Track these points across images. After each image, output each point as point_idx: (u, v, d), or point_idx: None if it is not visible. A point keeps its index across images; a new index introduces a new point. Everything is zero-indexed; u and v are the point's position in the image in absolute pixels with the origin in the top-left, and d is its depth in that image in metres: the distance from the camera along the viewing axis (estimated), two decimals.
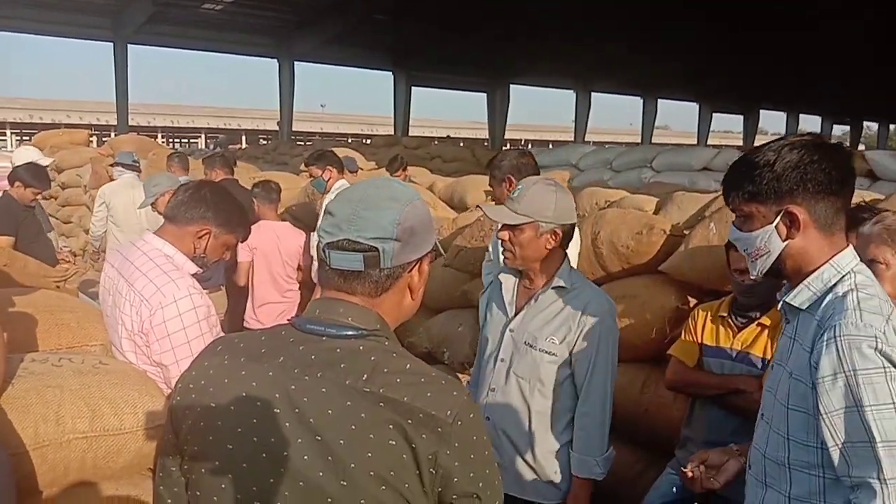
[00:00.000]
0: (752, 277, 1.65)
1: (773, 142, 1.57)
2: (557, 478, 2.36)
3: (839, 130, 49.40)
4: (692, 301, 3.14)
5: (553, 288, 2.33)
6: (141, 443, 1.88)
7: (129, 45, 19.18)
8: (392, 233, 1.21)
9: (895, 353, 1.40)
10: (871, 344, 1.39)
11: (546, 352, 2.31)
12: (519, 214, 2.26)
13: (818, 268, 1.54)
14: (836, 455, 1.43)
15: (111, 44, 19.00)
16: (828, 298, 1.51)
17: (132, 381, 1.96)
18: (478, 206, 3.24)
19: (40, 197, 5.11)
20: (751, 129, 34.75)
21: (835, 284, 1.52)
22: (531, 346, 2.33)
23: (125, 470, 1.91)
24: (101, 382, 1.88)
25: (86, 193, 9.17)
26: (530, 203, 2.26)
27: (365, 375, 1.13)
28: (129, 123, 19.90)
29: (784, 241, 1.54)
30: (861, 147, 33.44)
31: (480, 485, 1.17)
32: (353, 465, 1.10)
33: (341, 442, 1.10)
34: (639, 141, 29.44)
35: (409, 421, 1.10)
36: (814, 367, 1.45)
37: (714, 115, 32.48)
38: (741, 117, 33.83)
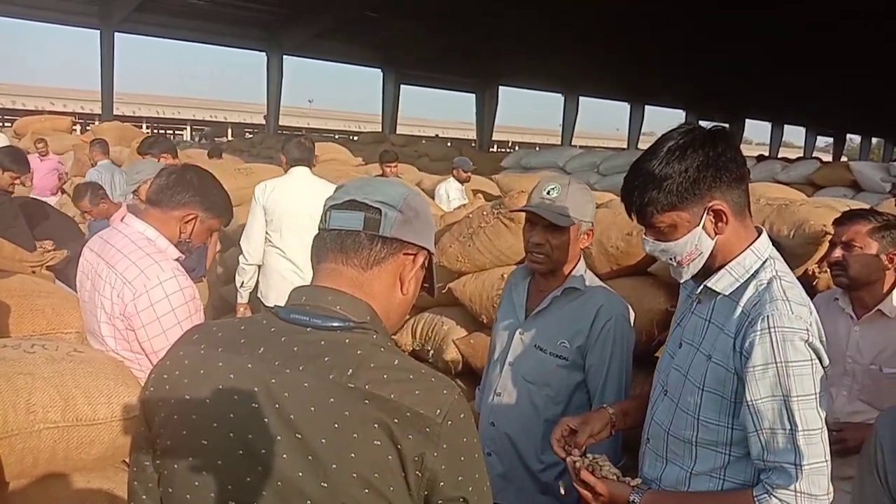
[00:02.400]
0: (681, 282, 1.67)
1: (662, 146, 1.54)
2: (564, 491, 2.20)
3: (823, 141, 49.95)
4: None
5: (566, 289, 2.24)
6: (115, 434, 1.81)
7: (115, 34, 18.97)
8: (398, 203, 1.22)
9: (819, 346, 1.47)
10: (803, 336, 1.44)
11: (556, 355, 2.21)
12: (567, 216, 2.17)
13: (739, 254, 1.57)
14: (754, 440, 1.49)
15: (98, 31, 18.79)
16: (751, 285, 1.54)
17: (107, 370, 1.89)
18: (496, 204, 3.17)
19: (19, 182, 4.96)
20: (736, 137, 34.94)
21: (757, 271, 1.55)
22: (541, 350, 2.24)
23: (98, 462, 1.85)
24: (75, 371, 1.82)
25: (68, 181, 9.03)
26: (574, 203, 2.18)
27: (350, 370, 1.07)
28: (114, 112, 19.71)
29: (714, 238, 1.55)
30: (843, 159, 33.76)
31: (470, 489, 1.10)
32: (334, 466, 1.04)
33: (323, 441, 1.04)
34: (625, 146, 29.55)
35: (396, 420, 1.04)
36: (743, 356, 1.48)
37: (700, 123, 32.67)
38: (726, 125, 34.04)
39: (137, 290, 2.04)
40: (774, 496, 1.46)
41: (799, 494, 1.44)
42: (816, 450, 1.44)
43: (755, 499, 1.48)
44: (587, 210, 2.22)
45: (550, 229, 2.18)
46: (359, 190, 1.23)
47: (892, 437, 1.82)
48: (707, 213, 1.53)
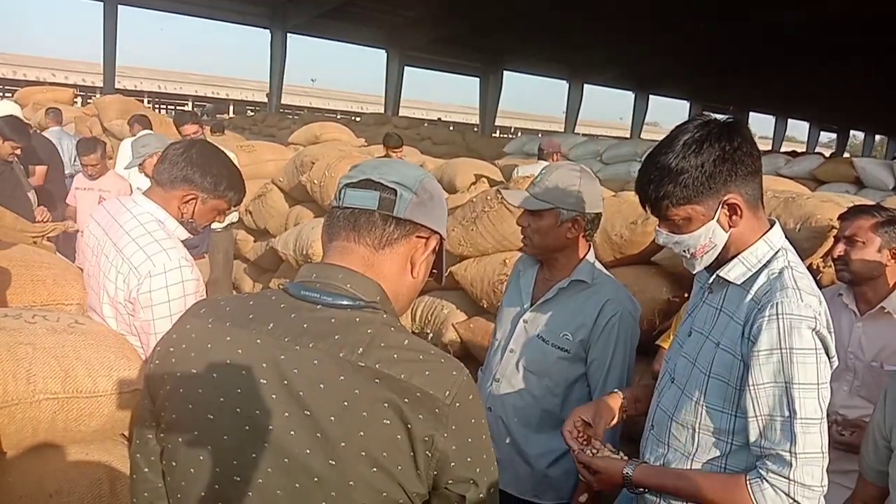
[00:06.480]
0: (694, 272, 1.67)
1: (678, 139, 1.54)
2: (559, 480, 2.24)
3: (825, 137, 49.85)
4: (685, 294, 3.11)
5: (573, 281, 2.22)
6: (115, 407, 1.80)
7: (119, 6, 18.85)
8: (413, 185, 1.20)
9: (826, 335, 1.47)
10: (811, 325, 1.44)
11: (558, 347, 2.20)
12: (539, 200, 2.15)
13: (752, 244, 1.58)
14: (753, 425, 1.49)
15: (101, 3, 18.67)
16: (763, 274, 1.55)
17: (109, 342, 1.87)
18: (498, 190, 3.18)
19: (19, 152, 4.93)
20: (749, 129, 34.81)
21: (769, 261, 1.56)
22: (543, 340, 2.22)
23: (97, 434, 1.83)
24: (77, 342, 1.80)
25: None
26: (551, 188, 2.15)
27: (360, 349, 1.06)
28: (116, 86, 19.62)
29: (728, 231, 1.56)
30: (846, 155, 33.71)
31: (478, 470, 1.10)
32: (343, 444, 1.03)
33: (332, 418, 1.03)
34: (628, 136, 29.47)
35: (406, 400, 1.03)
36: (750, 341, 1.49)
37: (704, 114, 32.52)
38: (731, 118, 33.93)
39: (142, 275, 2.02)
40: (767, 481, 1.46)
41: (792, 483, 1.44)
42: (813, 440, 1.44)
43: (748, 482, 1.49)
44: (567, 196, 2.15)
45: (530, 213, 2.20)
46: (375, 169, 1.21)
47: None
48: (722, 207, 1.53)
